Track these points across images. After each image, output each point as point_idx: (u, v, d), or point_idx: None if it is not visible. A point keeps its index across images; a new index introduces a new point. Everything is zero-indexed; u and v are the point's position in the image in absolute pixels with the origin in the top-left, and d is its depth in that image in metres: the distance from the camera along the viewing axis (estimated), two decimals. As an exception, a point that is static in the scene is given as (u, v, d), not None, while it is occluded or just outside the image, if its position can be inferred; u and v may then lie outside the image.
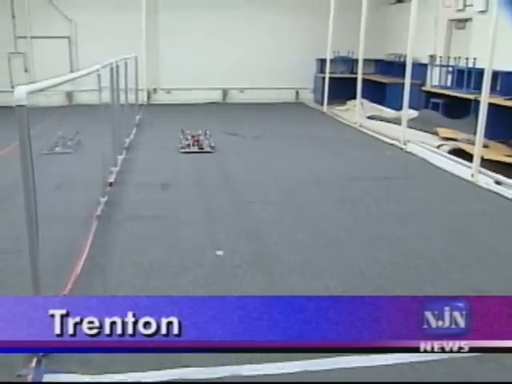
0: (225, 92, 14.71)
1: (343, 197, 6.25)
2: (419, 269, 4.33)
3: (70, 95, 14.32)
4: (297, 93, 14.97)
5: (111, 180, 6.42)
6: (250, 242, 4.92)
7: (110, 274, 4.21)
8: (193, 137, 8.78)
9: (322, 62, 14.11)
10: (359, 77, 11.19)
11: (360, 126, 10.95)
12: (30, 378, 2.97)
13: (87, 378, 3.02)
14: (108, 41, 13.94)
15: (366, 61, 12.58)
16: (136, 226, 5.25)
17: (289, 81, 14.72)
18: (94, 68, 5.31)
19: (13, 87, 13.95)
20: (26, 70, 14.29)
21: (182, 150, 8.41)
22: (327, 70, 12.86)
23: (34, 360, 3.09)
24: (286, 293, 3.93)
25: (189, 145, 8.57)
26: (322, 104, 13.58)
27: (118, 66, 7.00)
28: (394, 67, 13.14)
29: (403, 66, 12.65)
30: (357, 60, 13.82)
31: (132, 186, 6.54)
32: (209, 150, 8.47)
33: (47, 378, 2.98)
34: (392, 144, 9.25)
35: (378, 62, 13.84)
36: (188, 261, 4.50)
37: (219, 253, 4.64)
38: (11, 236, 4.73)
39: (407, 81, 8.72)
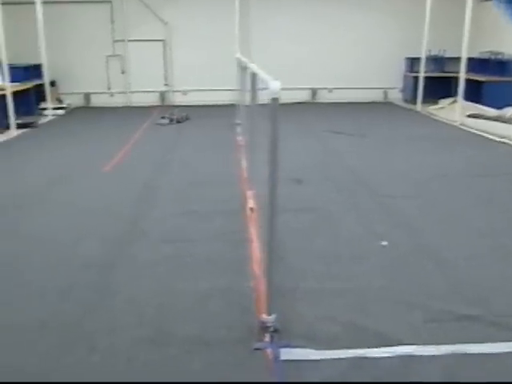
0: (314, 91, 14.85)
1: (475, 193, 6.31)
2: None
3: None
4: (385, 92, 14.95)
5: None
6: (406, 233, 5.06)
7: (290, 260, 4.41)
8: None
9: (413, 60, 14.07)
10: (462, 75, 11.16)
11: (461, 124, 10.88)
12: (269, 352, 3.20)
13: (316, 354, 3.21)
14: (201, 43, 14.35)
15: (455, 59, 12.53)
16: (287, 217, 5.43)
17: (377, 80, 14.74)
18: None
19: (109, 88, 14.58)
20: (122, 72, 14.85)
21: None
22: (421, 68, 12.82)
23: (267, 335, 3.32)
24: (466, 277, 4.07)
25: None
26: (412, 103, 13.55)
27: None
28: (490, 65, 12.98)
29: (501, 63, 12.57)
30: (448, 58, 13.81)
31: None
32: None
33: (284, 352, 3.19)
34: (503, 142, 9.18)
35: (469, 60, 13.68)
36: (356, 250, 4.67)
37: (384, 243, 4.80)
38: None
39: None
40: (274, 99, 2.95)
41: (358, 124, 11.33)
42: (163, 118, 11.56)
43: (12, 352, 3.21)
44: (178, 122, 11.29)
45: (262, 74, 3.94)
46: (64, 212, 5.76)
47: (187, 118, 11.49)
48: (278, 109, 2.99)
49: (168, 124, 11.21)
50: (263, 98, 5.25)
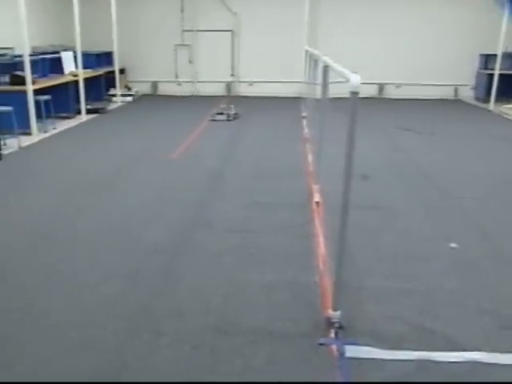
0: (381, 87, 14.58)
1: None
2: None
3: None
4: (455, 90, 14.50)
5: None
6: (477, 235, 4.89)
7: (356, 257, 4.34)
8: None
9: (487, 57, 13.57)
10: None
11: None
12: (334, 348, 3.16)
13: (381, 354, 3.14)
14: (268, 34, 14.34)
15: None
16: (354, 213, 5.34)
17: (447, 77, 14.31)
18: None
19: (177, 77, 14.79)
20: (190, 62, 15.03)
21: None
22: (497, 65, 12.33)
23: (332, 331, 3.29)
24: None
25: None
26: (484, 102, 13.09)
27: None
28: None
29: None
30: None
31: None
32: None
33: (349, 349, 3.15)
34: None
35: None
36: (425, 250, 4.56)
37: (453, 245, 4.65)
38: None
39: None
40: (354, 93, 2.90)
41: (426, 121, 11.05)
42: (219, 113, 11.23)
43: (82, 331, 3.31)
44: (230, 119, 10.98)
45: (338, 67, 3.88)
46: (130, 198, 5.89)
47: (235, 117, 11.10)
48: (357, 103, 2.93)
49: (225, 120, 10.98)
50: (334, 91, 5.26)
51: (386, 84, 14.65)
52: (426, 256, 4.46)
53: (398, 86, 14.58)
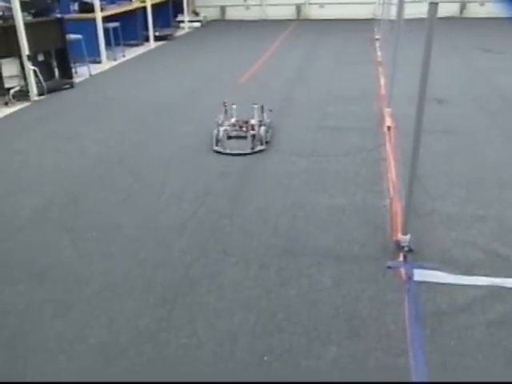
0: (463, 5, 13.71)
1: None
2: None
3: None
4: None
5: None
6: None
7: (427, 183, 4.21)
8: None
9: None
10: None
11: None
12: (402, 272, 3.12)
13: (451, 279, 3.07)
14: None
15: None
16: (428, 138, 5.14)
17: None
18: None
19: (245, 1, 14.43)
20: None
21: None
22: None
23: (401, 255, 3.24)
24: None
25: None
26: None
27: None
28: None
29: None
30: None
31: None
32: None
33: (417, 273, 3.09)
34: None
35: None
36: (502, 177, 4.35)
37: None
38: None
39: None
40: (433, 3, 2.69)
41: (510, 41, 10.32)
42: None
43: (152, 250, 3.42)
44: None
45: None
46: (200, 123, 5.90)
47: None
48: (435, 16, 2.73)
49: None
50: (410, 11, 4.96)
51: (469, 2, 13.68)
52: (502, 183, 4.26)
53: (482, 3, 13.59)
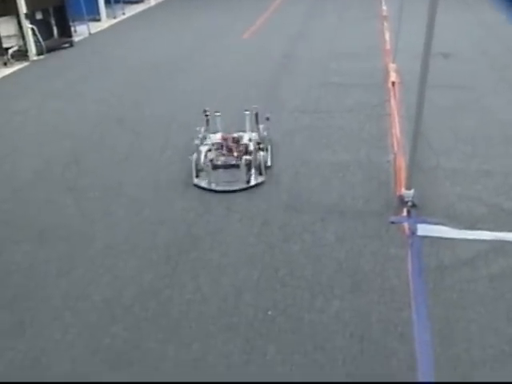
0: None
1: None
2: None
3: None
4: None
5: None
6: None
7: (432, 138, 4.15)
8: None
9: None
10: None
11: None
12: (405, 227, 3.10)
13: (454, 233, 3.05)
14: None
15: None
16: (433, 93, 5.06)
17: None
18: None
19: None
20: None
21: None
22: None
23: (405, 210, 3.22)
24: None
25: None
26: None
27: None
28: None
29: None
30: None
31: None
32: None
33: (421, 228, 3.08)
34: None
35: None
36: (506, 133, 4.30)
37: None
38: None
39: None
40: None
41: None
42: None
43: (154, 208, 3.41)
44: None
45: None
46: (203, 79, 5.82)
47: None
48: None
49: None
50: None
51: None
52: (509, 139, 4.20)
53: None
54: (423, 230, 3.09)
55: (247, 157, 3.65)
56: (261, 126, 3.93)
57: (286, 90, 5.31)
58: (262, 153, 3.68)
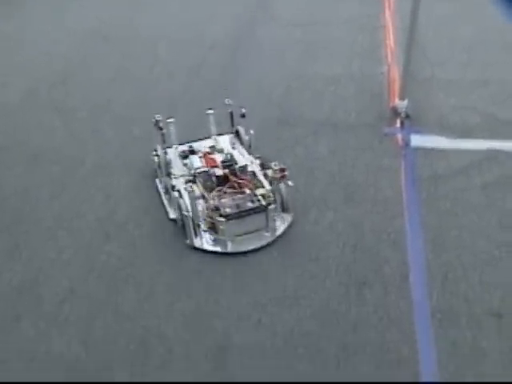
0: None
1: None
2: None
3: None
4: None
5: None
6: None
7: (428, 48, 4.04)
8: None
9: None
10: None
11: None
12: (399, 138, 3.07)
13: (448, 143, 3.03)
14: None
15: None
16: (430, 1, 4.88)
17: None
18: None
19: None
20: None
21: None
22: None
23: (398, 121, 3.18)
24: None
25: None
26: None
27: None
28: None
29: None
30: None
31: None
32: None
33: (415, 139, 3.05)
34: None
35: None
36: (508, 39, 4.17)
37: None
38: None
39: None
40: None
41: None
42: None
43: (146, 125, 3.34)
44: None
45: None
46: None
47: None
48: None
49: None
50: None
51: None
52: (506, 45, 4.11)
53: None
54: (417, 140, 3.07)
55: (263, 191, 2.48)
56: (241, 130, 2.88)
57: (276, 2, 5.09)
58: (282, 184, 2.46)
